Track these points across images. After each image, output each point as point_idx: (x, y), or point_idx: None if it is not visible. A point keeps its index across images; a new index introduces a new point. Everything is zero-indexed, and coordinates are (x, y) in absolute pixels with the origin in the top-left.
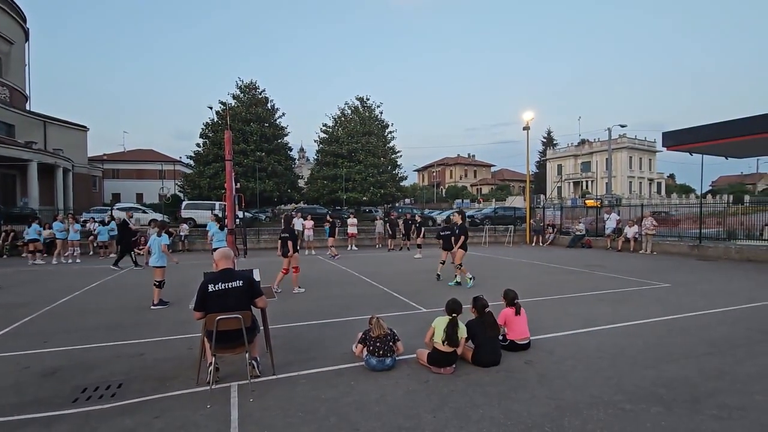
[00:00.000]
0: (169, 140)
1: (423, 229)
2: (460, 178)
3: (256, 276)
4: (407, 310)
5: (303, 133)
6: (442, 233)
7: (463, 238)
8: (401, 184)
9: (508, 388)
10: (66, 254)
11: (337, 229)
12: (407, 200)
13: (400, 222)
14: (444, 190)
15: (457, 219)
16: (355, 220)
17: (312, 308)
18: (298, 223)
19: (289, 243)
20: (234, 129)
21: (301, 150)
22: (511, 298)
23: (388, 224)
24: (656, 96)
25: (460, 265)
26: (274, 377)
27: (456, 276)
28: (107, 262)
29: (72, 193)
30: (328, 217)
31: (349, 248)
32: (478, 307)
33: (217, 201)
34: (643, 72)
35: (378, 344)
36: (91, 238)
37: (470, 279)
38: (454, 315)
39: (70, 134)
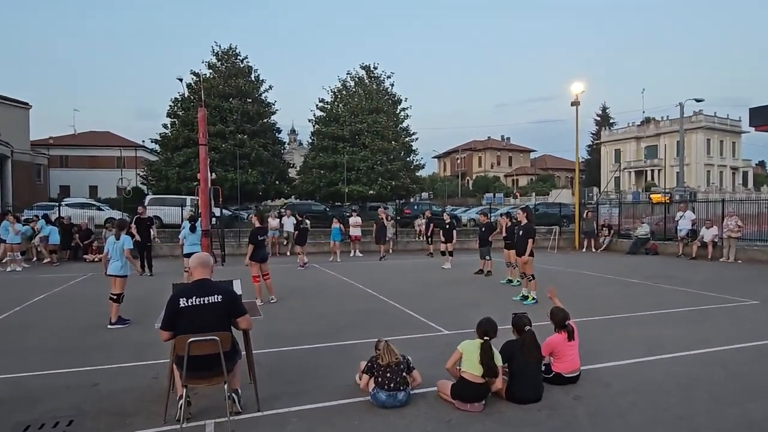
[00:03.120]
0: (130, 120)
1: (455, 232)
2: (492, 167)
3: (237, 289)
4: (425, 331)
5: (295, 111)
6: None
7: (531, 240)
8: (417, 174)
9: (552, 430)
10: (4, 261)
11: (308, 233)
12: (424, 194)
13: (420, 222)
14: (471, 182)
15: (521, 217)
16: (359, 220)
17: (306, 329)
18: (288, 222)
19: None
20: (209, 106)
21: (293, 132)
22: (560, 319)
23: (375, 226)
24: (743, 64)
25: (532, 276)
26: (259, 414)
27: (523, 290)
28: (54, 271)
29: (11, 185)
30: (297, 216)
31: (352, 254)
32: (517, 325)
33: (189, 195)
34: (725, 33)
35: (388, 374)
36: (36, 240)
37: (533, 297)
38: (486, 338)
39: (8, 113)
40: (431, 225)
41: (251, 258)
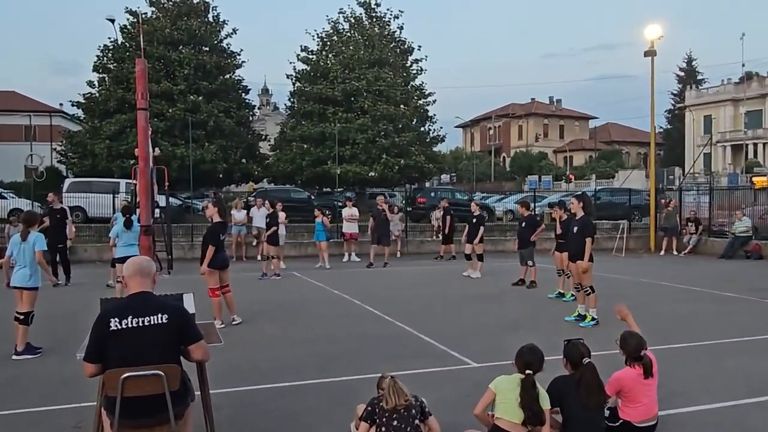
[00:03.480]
0: (43, 77)
1: (483, 228)
2: (536, 140)
3: (189, 306)
4: (446, 363)
5: (268, 64)
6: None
7: (590, 239)
8: (435, 149)
9: None
10: None
11: (283, 227)
12: (445, 177)
13: (439, 216)
14: (508, 160)
15: (576, 208)
16: (355, 212)
17: (283, 360)
18: (258, 215)
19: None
20: (152, 57)
21: (265, 92)
22: (634, 348)
23: (373, 220)
24: None
25: (590, 289)
26: None
27: (579, 307)
28: None
29: None
30: (265, 204)
31: (346, 258)
32: (571, 356)
33: (124, 179)
34: None
35: (395, 422)
36: None
37: (592, 317)
38: (528, 373)
39: None
40: (448, 218)
41: (210, 264)
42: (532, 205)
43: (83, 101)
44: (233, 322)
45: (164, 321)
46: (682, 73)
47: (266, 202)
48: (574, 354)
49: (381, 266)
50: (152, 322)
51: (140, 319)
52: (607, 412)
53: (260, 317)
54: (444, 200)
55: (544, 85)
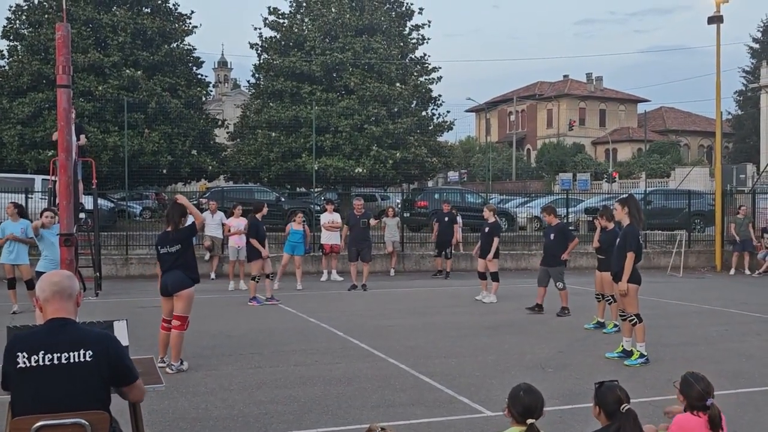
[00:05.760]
0: None
1: (498, 240)
2: (570, 128)
3: (122, 336)
4: (452, 412)
5: (227, 32)
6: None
7: (631, 254)
8: (439, 139)
9: None
10: None
11: (265, 239)
12: (453, 174)
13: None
14: (534, 154)
15: (620, 214)
16: (337, 218)
17: (245, 408)
18: (213, 222)
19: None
20: (77, 20)
21: (223, 65)
22: (698, 396)
23: (349, 230)
24: None
25: (636, 318)
26: None
27: (623, 340)
28: None
29: None
30: (233, 209)
31: (324, 278)
32: (605, 403)
33: (39, 174)
34: None
35: None
36: None
37: (640, 353)
38: (531, 422)
39: None
40: (438, 224)
41: (160, 289)
42: (561, 211)
43: None
44: (170, 369)
45: (88, 359)
46: (757, 45)
47: (237, 206)
48: (608, 400)
49: (359, 287)
50: (72, 361)
51: (55, 356)
52: None
53: (215, 354)
54: (446, 203)
55: (579, 59)
